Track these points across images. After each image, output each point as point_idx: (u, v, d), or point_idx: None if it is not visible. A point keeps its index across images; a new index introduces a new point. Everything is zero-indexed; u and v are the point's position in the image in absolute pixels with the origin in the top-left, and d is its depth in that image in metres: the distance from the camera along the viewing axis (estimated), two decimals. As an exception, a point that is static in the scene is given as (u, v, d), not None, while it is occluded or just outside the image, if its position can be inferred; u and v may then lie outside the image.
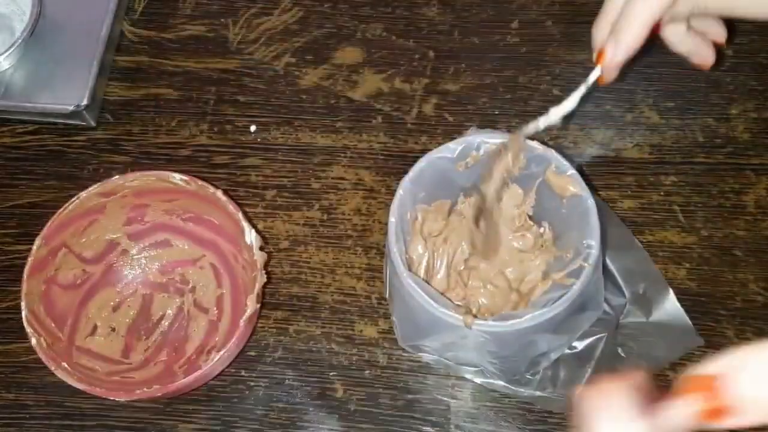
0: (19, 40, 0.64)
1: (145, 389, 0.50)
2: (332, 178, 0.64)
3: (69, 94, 0.64)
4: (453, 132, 0.64)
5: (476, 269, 0.56)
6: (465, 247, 0.56)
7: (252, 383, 0.57)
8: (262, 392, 0.57)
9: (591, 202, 0.50)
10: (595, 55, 0.48)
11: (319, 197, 0.63)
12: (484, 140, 0.52)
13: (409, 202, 0.53)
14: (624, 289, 0.57)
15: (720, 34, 0.51)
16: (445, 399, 0.56)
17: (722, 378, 0.29)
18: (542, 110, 0.64)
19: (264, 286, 0.55)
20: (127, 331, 0.58)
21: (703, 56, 0.51)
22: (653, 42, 0.49)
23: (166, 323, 0.59)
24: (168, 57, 0.69)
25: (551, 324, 0.48)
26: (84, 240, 0.58)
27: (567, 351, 0.54)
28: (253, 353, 0.58)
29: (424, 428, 0.55)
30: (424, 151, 0.53)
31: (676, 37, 0.50)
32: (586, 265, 0.48)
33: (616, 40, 0.46)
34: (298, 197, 0.63)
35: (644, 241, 0.59)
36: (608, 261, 0.57)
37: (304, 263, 0.61)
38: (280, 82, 0.68)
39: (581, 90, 0.49)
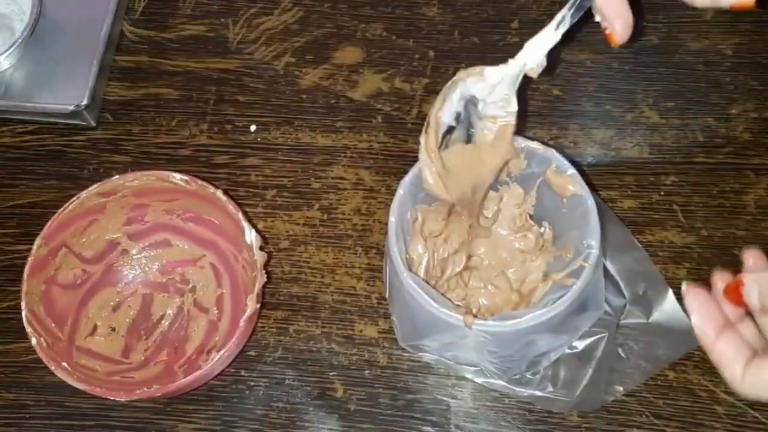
0: (19, 40, 0.63)
1: (145, 389, 0.50)
2: (332, 178, 0.64)
3: (69, 94, 0.64)
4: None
5: (477, 269, 0.56)
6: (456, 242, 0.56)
7: (252, 383, 0.57)
8: (262, 392, 0.57)
9: (591, 202, 0.50)
10: None
11: (319, 197, 0.63)
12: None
13: (409, 202, 0.53)
14: (624, 289, 0.57)
15: None
16: (445, 399, 0.56)
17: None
18: (542, 110, 0.65)
19: (264, 286, 0.55)
20: (127, 331, 0.58)
21: None
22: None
23: (166, 323, 0.59)
24: (168, 57, 0.69)
25: (551, 324, 0.48)
26: (84, 240, 0.58)
27: (567, 351, 0.54)
28: (253, 353, 0.58)
29: (424, 428, 0.55)
30: (424, 151, 0.53)
31: None
32: (586, 265, 0.48)
33: None
34: (298, 197, 0.63)
35: (644, 241, 0.59)
36: (608, 261, 0.57)
37: (304, 263, 0.61)
38: (280, 82, 0.68)
39: (561, 17, 0.45)
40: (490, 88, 0.48)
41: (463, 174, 0.51)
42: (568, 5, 0.45)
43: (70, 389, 0.51)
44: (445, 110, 0.48)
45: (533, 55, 0.46)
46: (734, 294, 0.39)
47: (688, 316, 0.41)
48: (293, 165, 0.64)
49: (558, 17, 0.45)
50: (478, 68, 0.48)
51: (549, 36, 0.46)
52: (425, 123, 0.48)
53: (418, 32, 0.69)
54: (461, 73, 0.48)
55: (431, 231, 0.55)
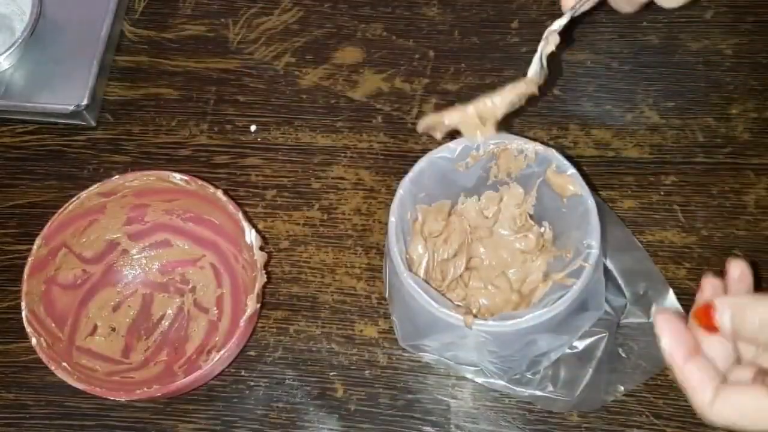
0: (19, 40, 0.64)
1: (145, 389, 0.50)
2: (332, 178, 0.64)
3: (69, 94, 0.64)
4: (453, 132, 0.64)
5: (477, 270, 0.56)
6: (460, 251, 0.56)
7: (252, 383, 0.57)
8: (262, 392, 0.57)
9: (591, 202, 0.50)
10: None
11: (319, 197, 0.63)
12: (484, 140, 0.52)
13: (409, 202, 0.53)
14: (624, 289, 0.57)
15: None
16: (445, 399, 0.56)
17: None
18: (542, 110, 0.65)
19: (264, 286, 0.55)
20: (127, 331, 0.58)
21: None
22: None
23: (166, 323, 0.59)
24: (168, 57, 0.69)
25: (551, 324, 0.48)
26: (84, 240, 0.58)
27: (568, 351, 0.54)
28: (253, 353, 0.58)
29: (424, 428, 0.55)
30: (424, 151, 0.53)
31: None
32: (586, 265, 0.48)
33: None
34: (298, 197, 0.63)
35: (644, 241, 0.59)
36: (608, 261, 0.57)
37: (304, 263, 0.61)
38: (280, 82, 0.68)
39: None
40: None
41: None
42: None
43: (70, 389, 0.51)
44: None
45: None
46: (704, 318, 0.38)
47: (658, 339, 0.39)
48: (293, 165, 0.64)
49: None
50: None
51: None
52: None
53: (418, 32, 0.69)
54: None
55: (431, 231, 0.55)
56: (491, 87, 0.65)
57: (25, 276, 0.53)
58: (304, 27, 0.70)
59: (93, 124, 0.66)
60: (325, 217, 0.62)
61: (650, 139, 0.63)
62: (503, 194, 0.56)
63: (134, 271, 0.60)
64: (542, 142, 0.52)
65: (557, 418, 0.55)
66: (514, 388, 0.54)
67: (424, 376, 0.57)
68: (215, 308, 0.59)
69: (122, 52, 0.70)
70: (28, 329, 0.52)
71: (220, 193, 0.55)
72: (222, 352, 0.51)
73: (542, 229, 0.56)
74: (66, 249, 0.56)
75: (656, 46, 0.67)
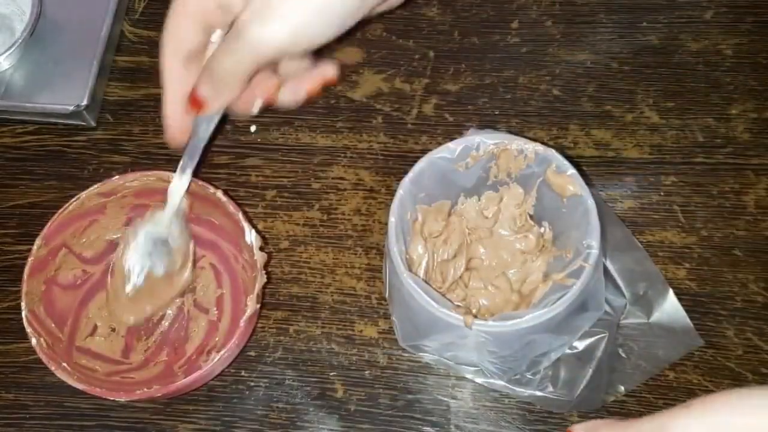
0: (19, 40, 0.64)
1: (145, 389, 0.50)
2: (332, 178, 0.64)
3: (69, 94, 0.64)
4: (453, 132, 0.64)
5: (477, 270, 0.56)
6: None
7: (252, 383, 0.57)
8: (262, 392, 0.57)
9: (591, 202, 0.50)
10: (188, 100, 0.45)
11: (319, 197, 0.63)
12: (484, 140, 0.52)
13: (409, 202, 0.53)
14: (624, 289, 0.57)
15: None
16: (445, 399, 0.56)
17: None
18: (542, 110, 0.65)
19: (264, 286, 0.55)
20: (127, 331, 0.58)
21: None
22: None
23: (166, 323, 0.59)
24: (168, 57, 0.69)
25: (551, 324, 0.48)
26: (84, 240, 0.58)
27: (567, 351, 0.54)
28: (253, 353, 0.58)
29: (424, 428, 0.55)
30: (424, 151, 0.53)
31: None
32: (586, 265, 0.48)
33: (215, 90, 0.44)
34: (298, 197, 0.63)
35: (644, 241, 0.59)
36: (608, 261, 0.57)
37: (304, 263, 0.61)
38: (280, 82, 0.68)
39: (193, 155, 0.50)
40: (168, 229, 0.54)
41: (147, 298, 0.55)
42: (185, 151, 0.50)
43: (69, 389, 0.51)
44: (131, 254, 0.54)
45: (174, 197, 0.52)
46: None
47: None
48: (293, 165, 0.64)
49: (180, 163, 0.51)
50: (156, 214, 0.54)
51: (179, 181, 0.52)
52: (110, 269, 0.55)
53: (418, 32, 0.69)
54: (138, 219, 0.55)
55: (431, 231, 0.55)
56: (491, 87, 0.66)
57: (25, 276, 0.53)
58: (304, 27, 0.70)
59: (93, 124, 0.66)
60: (325, 217, 0.62)
61: (650, 139, 0.63)
62: (503, 194, 0.56)
63: (134, 272, 0.60)
64: (542, 142, 0.52)
65: (557, 418, 0.55)
66: (514, 388, 0.54)
67: (424, 376, 0.57)
68: (215, 308, 0.59)
69: (122, 52, 0.69)
70: (28, 329, 0.52)
71: (220, 194, 0.55)
72: (222, 352, 0.51)
73: (542, 230, 0.56)
74: (66, 249, 0.56)
75: (656, 46, 0.67)
